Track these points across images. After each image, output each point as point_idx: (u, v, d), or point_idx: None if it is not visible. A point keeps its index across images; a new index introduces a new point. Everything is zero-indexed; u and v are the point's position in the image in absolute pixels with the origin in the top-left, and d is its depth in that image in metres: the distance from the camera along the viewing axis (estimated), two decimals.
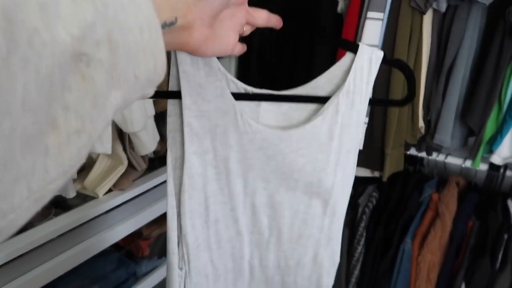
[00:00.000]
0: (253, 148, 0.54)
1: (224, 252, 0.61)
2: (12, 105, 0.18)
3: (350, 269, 1.40)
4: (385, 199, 1.41)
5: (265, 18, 0.45)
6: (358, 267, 1.38)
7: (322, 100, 0.54)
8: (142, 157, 1.10)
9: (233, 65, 1.41)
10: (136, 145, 1.03)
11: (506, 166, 1.29)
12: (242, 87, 0.53)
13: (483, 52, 1.15)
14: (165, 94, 0.52)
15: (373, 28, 1.12)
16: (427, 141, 1.26)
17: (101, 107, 0.23)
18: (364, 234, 1.37)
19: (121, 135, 1.04)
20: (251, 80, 1.40)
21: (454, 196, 1.31)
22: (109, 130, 0.92)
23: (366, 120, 1.19)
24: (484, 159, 1.23)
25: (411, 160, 1.45)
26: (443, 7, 1.09)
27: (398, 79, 1.15)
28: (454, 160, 1.33)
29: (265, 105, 0.54)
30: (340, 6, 1.23)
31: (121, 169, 1.03)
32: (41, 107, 0.19)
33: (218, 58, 0.50)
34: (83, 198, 1.01)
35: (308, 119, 0.55)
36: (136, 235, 1.21)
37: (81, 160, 0.23)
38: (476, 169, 1.29)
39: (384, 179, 1.27)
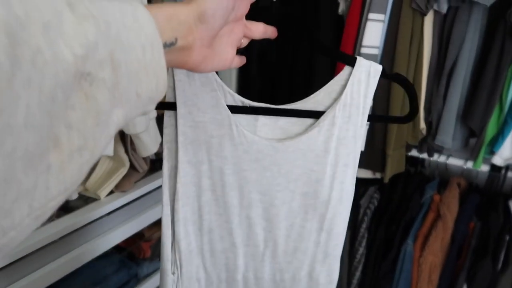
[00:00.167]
0: (248, 159, 0.54)
1: (218, 262, 0.60)
2: (14, 124, 0.18)
3: (351, 271, 1.40)
4: (387, 200, 1.41)
5: (261, 31, 0.46)
6: (360, 268, 1.38)
7: (319, 115, 0.54)
8: (144, 158, 1.10)
9: (234, 70, 1.42)
10: (138, 146, 1.03)
11: (507, 167, 1.29)
12: (240, 100, 0.53)
13: (484, 53, 1.15)
14: (161, 105, 0.52)
15: (374, 30, 1.13)
16: (428, 142, 1.26)
17: (103, 125, 0.24)
18: (366, 235, 1.37)
19: (123, 137, 1.04)
20: (251, 84, 1.41)
21: (455, 197, 1.31)
22: None
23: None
24: (486, 160, 1.23)
25: (412, 162, 1.45)
26: (444, 8, 1.10)
27: (398, 89, 1.15)
28: (455, 161, 1.33)
29: (262, 119, 0.54)
30: (341, 7, 1.23)
31: (123, 171, 1.04)
32: (44, 126, 0.19)
33: None
34: (85, 200, 1.01)
35: (304, 132, 0.55)
36: (138, 236, 1.21)
37: (82, 177, 0.23)
38: (478, 170, 1.29)
39: (386, 180, 1.27)
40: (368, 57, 0.88)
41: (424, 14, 1.12)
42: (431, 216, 1.32)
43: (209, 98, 0.51)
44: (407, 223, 1.33)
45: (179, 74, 0.50)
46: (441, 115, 1.19)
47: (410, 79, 1.18)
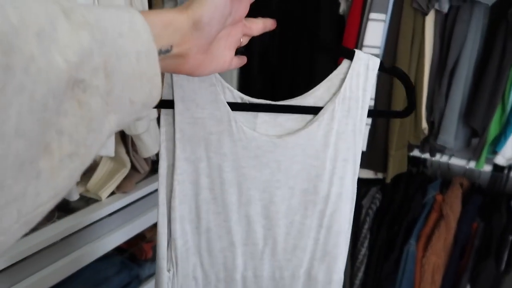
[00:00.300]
0: (247, 156, 0.54)
1: (216, 261, 0.60)
2: (5, 131, 0.17)
3: (354, 271, 1.39)
4: (389, 200, 1.40)
5: (261, 27, 0.46)
6: (362, 269, 1.38)
7: (319, 110, 0.54)
8: (145, 159, 1.10)
9: (234, 69, 1.42)
10: (139, 147, 1.02)
11: (510, 167, 1.28)
12: (239, 96, 0.53)
13: (486, 53, 1.15)
14: (158, 104, 0.52)
15: (376, 30, 1.12)
16: (430, 142, 1.26)
17: (95, 131, 0.24)
18: (368, 236, 1.36)
19: (124, 137, 1.04)
20: (252, 83, 1.41)
21: (458, 197, 1.31)
22: None
23: (369, 121, 1.19)
24: (488, 160, 1.23)
25: (414, 162, 1.44)
26: (445, 7, 1.09)
27: (400, 87, 1.15)
28: (457, 161, 1.33)
29: (262, 116, 0.54)
30: (342, 7, 1.23)
31: (124, 171, 1.04)
32: (35, 132, 0.19)
33: None
34: (86, 201, 1.01)
35: (304, 128, 0.55)
36: (139, 238, 1.21)
37: (73, 183, 0.23)
38: (480, 170, 1.28)
39: (388, 180, 1.27)
40: None
41: (425, 14, 1.12)
42: (433, 216, 1.32)
43: (208, 93, 0.51)
44: (410, 223, 1.33)
45: None
46: (443, 114, 1.19)
47: (412, 78, 1.18)
